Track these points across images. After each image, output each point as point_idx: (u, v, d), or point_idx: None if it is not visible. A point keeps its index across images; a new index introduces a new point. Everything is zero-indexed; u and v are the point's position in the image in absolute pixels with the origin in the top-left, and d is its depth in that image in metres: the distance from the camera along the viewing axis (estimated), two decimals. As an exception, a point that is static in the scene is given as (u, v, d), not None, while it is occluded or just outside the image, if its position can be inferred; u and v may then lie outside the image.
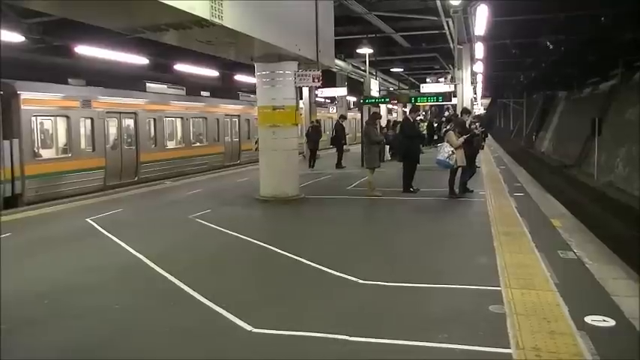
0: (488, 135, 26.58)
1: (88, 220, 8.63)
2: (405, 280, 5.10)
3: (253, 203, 10.47)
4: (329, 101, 31.78)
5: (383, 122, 18.71)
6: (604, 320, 3.94)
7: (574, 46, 22.64)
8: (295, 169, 11.26)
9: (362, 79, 21.93)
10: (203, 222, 8.38)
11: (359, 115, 26.39)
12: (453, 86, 20.10)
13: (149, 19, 7.47)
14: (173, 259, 6.25)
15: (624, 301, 4.37)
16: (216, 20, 7.23)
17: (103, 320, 4.32)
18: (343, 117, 20.50)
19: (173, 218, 8.99)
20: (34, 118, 11.96)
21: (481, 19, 14.64)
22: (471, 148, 10.73)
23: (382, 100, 20.22)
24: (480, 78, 31.93)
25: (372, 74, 21.15)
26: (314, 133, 18.77)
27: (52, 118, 12.58)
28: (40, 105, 12.16)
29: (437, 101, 19.61)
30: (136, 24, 7.86)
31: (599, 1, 15.97)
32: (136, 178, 15.12)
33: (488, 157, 20.32)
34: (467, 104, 19.59)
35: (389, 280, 5.08)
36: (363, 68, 21.81)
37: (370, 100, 17.60)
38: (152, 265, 5.86)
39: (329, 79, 20.90)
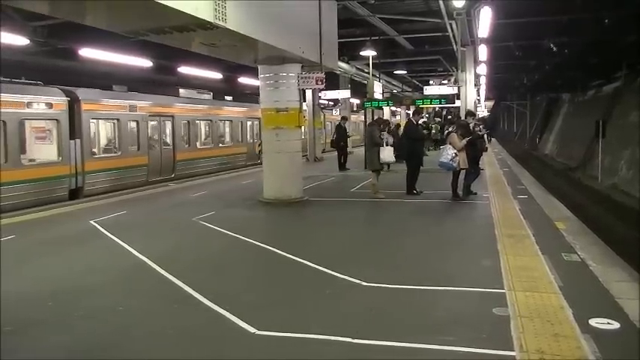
0: (491, 139, 26.60)
1: (92, 222, 8.66)
2: (408, 283, 5.10)
3: (257, 205, 10.48)
4: (332, 103, 31.78)
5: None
6: (608, 323, 3.92)
7: (577, 49, 22.59)
8: (299, 171, 11.27)
9: (365, 82, 21.96)
10: (207, 224, 8.40)
11: (362, 117, 26.38)
12: (456, 88, 20.09)
13: (153, 22, 7.49)
14: (177, 260, 6.26)
15: (628, 303, 4.36)
16: (220, 23, 7.25)
17: (107, 322, 4.33)
18: (345, 119, 20.44)
19: (177, 220, 9.01)
20: (92, 121, 13.43)
21: (484, 21, 14.61)
22: (475, 150, 10.72)
23: (385, 102, 20.19)
24: (483, 80, 31.89)
25: (376, 76, 21.15)
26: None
27: (105, 120, 14.17)
28: (96, 109, 13.65)
29: (440, 104, 19.57)
30: (140, 27, 7.89)
31: (602, 4, 15.94)
32: (173, 175, 16.43)
33: (492, 159, 20.29)
34: (470, 106, 19.56)
35: (392, 283, 5.08)
36: (366, 70, 21.84)
37: (374, 103, 17.58)
38: (156, 267, 5.87)
39: (332, 81, 20.93)
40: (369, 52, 18.01)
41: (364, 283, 5.07)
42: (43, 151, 12.20)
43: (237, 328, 4.06)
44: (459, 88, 19.92)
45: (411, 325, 4.09)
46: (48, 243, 7.36)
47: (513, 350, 3.51)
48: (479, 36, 17.65)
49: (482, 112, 46.27)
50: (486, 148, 16.58)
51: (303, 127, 15.08)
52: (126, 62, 15.29)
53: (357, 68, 23.36)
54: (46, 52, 14.40)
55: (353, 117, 29.80)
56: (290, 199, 10.62)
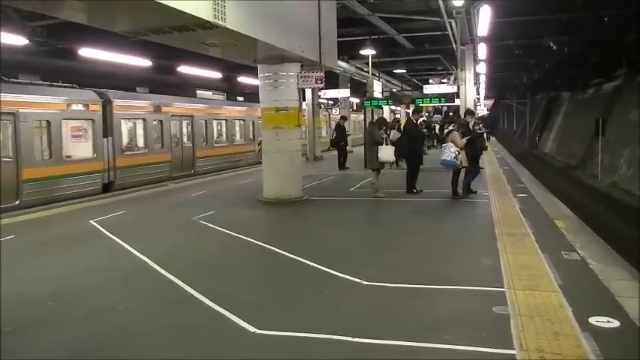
0: (491, 138, 26.59)
1: (91, 221, 8.66)
2: (408, 282, 5.10)
3: (257, 205, 10.49)
4: (332, 103, 31.78)
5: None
6: (608, 321, 3.92)
7: (577, 47, 22.58)
8: (298, 170, 11.27)
9: (365, 81, 21.96)
10: (206, 223, 8.40)
11: (362, 116, 26.39)
12: (456, 87, 20.09)
13: (152, 21, 7.49)
14: (176, 260, 6.26)
15: (628, 302, 4.36)
16: (219, 22, 7.24)
17: (107, 321, 4.33)
18: (344, 118, 20.44)
19: (177, 220, 9.01)
20: (122, 121, 14.58)
21: (484, 19, 14.62)
22: (474, 149, 10.72)
23: (385, 101, 20.18)
24: (483, 79, 31.89)
25: (375, 75, 21.14)
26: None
27: (133, 120, 15.30)
28: (126, 110, 14.77)
29: (440, 102, 19.57)
30: (140, 26, 7.88)
31: (602, 2, 15.93)
32: (193, 171, 17.49)
33: (492, 157, 20.28)
34: (470, 105, 19.56)
35: (393, 282, 5.07)
36: (365, 69, 21.83)
37: (373, 102, 17.57)
38: (156, 266, 5.87)
39: (332, 80, 20.94)
40: (368, 51, 18.00)
41: (365, 283, 5.07)
42: (80, 148, 13.21)
43: (238, 327, 4.06)
44: (458, 86, 19.95)
45: (411, 324, 4.09)
46: (47, 243, 7.36)
47: (513, 349, 3.51)
48: (478, 35, 17.65)
49: (482, 110, 46.25)
50: (486, 146, 16.57)
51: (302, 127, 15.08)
52: (127, 62, 15.46)
53: (357, 67, 23.38)
54: (44, 52, 14.40)
55: (353, 116, 29.80)
56: (290, 198, 10.62)
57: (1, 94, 10.80)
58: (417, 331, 3.88)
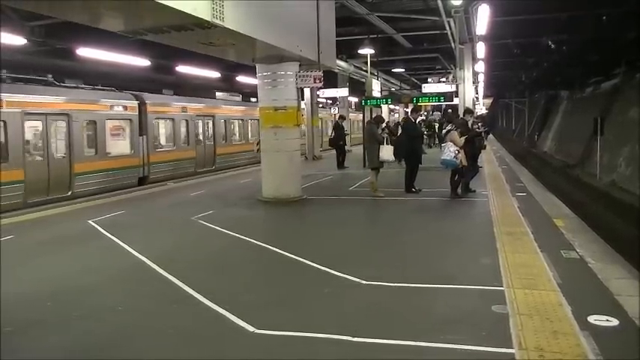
0: (488, 136, 26.60)
1: (90, 222, 8.65)
2: (407, 281, 5.10)
3: (256, 204, 10.48)
4: (330, 102, 31.78)
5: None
6: (607, 320, 3.93)
7: (576, 46, 22.61)
8: (297, 170, 11.26)
9: (363, 80, 21.93)
10: (205, 223, 8.40)
11: (360, 116, 26.41)
12: (454, 86, 20.08)
13: (151, 21, 7.49)
14: (176, 260, 6.26)
15: (627, 300, 4.36)
16: (218, 22, 7.24)
17: (107, 322, 4.33)
18: (342, 117, 20.43)
19: (176, 220, 9.00)
20: (154, 121, 16.04)
21: (482, 18, 14.62)
22: (473, 147, 10.72)
23: (384, 100, 20.15)
24: (481, 78, 31.89)
25: (374, 75, 21.13)
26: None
27: (164, 120, 16.80)
28: (158, 111, 16.28)
29: (439, 101, 19.56)
30: (138, 26, 7.88)
31: (600, 1, 15.94)
32: (214, 167, 18.91)
33: (491, 156, 20.29)
34: (469, 104, 19.55)
35: (392, 281, 5.08)
36: (364, 69, 21.81)
37: (372, 101, 17.55)
38: (154, 266, 5.87)
39: (330, 79, 20.93)
40: (367, 51, 17.98)
41: (364, 282, 5.06)
42: (119, 145, 14.59)
43: (237, 327, 4.06)
44: (457, 85, 19.91)
45: (411, 323, 4.09)
46: (47, 243, 7.36)
47: (512, 348, 3.51)
48: (477, 34, 17.67)
49: (481, 109, 46.25)
50: (485, 145, 16.58)
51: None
52: (128, 62, 15.59)
53: (356, 66, 23.35)
54: (43, 52, 14.38)
55: (352, 116, 29.81)
56: (289, 197, 10.61)
57: (59, 98, 12.38)
58: (417, 331, 3.88)
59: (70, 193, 12.40)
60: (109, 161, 13.94)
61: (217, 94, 20.80)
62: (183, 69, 18.57)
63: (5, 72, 11.79)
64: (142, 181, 15.15)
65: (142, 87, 16.54)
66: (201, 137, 18.68)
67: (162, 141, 16.69)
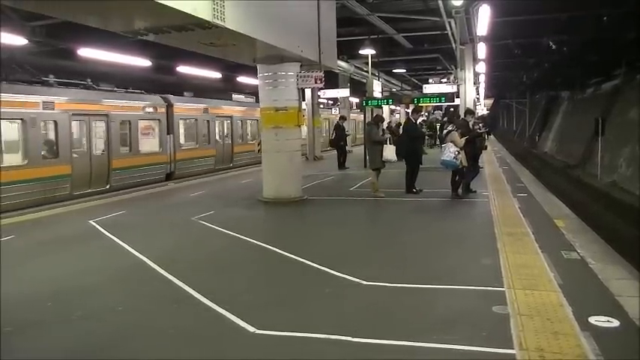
0: (489, 136, 26.59)
1: (90, 222, 8.65)
2: (408, 281, 5.10)
3: (256, 205, 10.48)
4: (332, 102, 31.77)
5: (384, 124, 18.57)
6: (608, 321, 3.92)
7: (576, 47, 22.59)
8: (298, 170, 11.26)
9: (364, 80, 21.95)
10: (206, 223, 8.39)
11: (361, 116, 26.41)
12: (455, 87, 20.08)
13: (151, 21, 7.49)
14: (176, 260, 6.26)
15: (628, 301, 4.36)
16: (219, 22, 7.24)
17: (107, 322, 4.33)
18: (343, 118, 20.38)
19: (176, 220, 9.00)
20: (180, 121, 17.29)
21: (483, 19, 14.62)
22: (474, 148, 10.71)
23: (385, 101, 20.16)
24: (482, 78, 31.88)
25: (375, 75, 21.13)
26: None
27: (188, 120, 18.02)
28: (183, 112, 17.51)
29: (440, 102, 19.56)
30: (138, 26, 7.87)
31: (601, 1, 15.93)
32: (231, 165, 20.03)
33: (492, 157, 20.28)
34: (470, 104, 19.54)
35: (392, 281, 5.07)
36: (365, 69, 21.82)
37: (373, 102, 17.55)
38: (155, 266, 5.87)
39: (331, 80, 20.93)
40: (368, 51, 17.99)
41: (364, 282, 5.06)
42: (150, 143, 15.86)
43: (237, 327, 4.06)
44: (458, 86, 19.91)
45: (411, 323, 4.09)
46: (47, 243, 7.35)
47: (513, 348, 3.51)
48: (478, 34, 17.64)
49: (482, 110, 46.22)
50: (486, 146, 16.56)
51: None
52: (129, 62, 15.62)
53: (356, 67, 23.35)
54: (44, 52, 14.38)
55: (353, 116, 29.80)
56: (289, 198, 10.61)
57: (99, 100, 13.68)
58: (417, 331, 3.88)
59: (108, 186, 13.62)
60: (141, 158, 15.22)
61: (234, 95, 21.78)
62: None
63: (52, 77, 13.04)
64: (169, 176, 16.34)
65: (142, 86, 16.63)
66: (220, 136, 19.74)
67: (187, 140, 17.81)
